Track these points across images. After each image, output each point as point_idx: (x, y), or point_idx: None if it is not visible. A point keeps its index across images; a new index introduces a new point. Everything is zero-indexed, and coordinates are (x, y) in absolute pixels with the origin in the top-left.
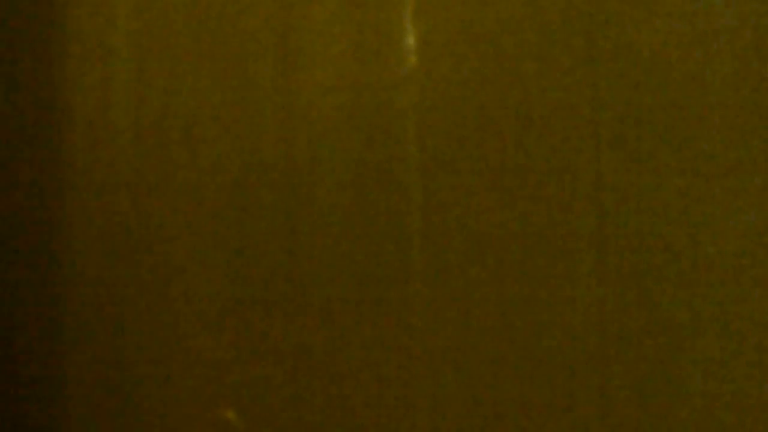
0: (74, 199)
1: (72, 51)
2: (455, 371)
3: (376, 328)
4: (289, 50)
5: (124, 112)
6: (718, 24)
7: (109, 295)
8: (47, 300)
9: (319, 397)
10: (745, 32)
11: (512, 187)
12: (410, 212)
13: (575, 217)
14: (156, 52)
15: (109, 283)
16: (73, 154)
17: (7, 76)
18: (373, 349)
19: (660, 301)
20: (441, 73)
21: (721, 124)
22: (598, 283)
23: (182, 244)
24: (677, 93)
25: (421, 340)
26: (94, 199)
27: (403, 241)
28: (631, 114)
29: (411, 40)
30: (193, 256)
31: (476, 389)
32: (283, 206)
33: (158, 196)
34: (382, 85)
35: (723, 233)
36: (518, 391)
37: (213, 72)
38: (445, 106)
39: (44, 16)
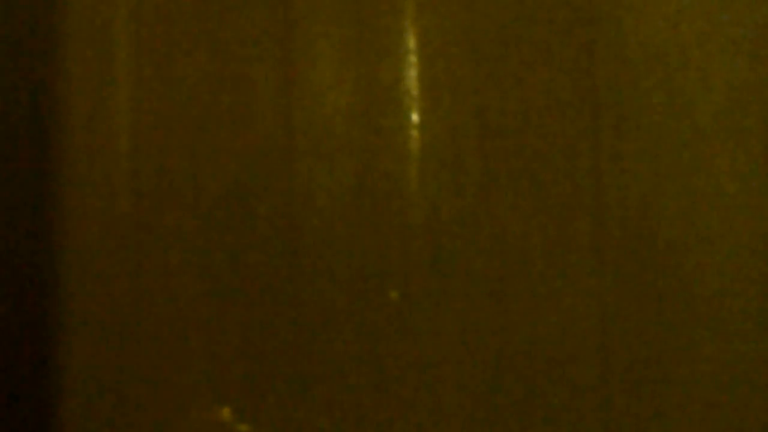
0: (73, 200)
1: (72, 51)
2: (455, 371)
3: (377, 328)
4: (289, 50)
5: (124, 112)
6: (718, 24)
7: (108, 295)
8: (46, 299)
9: (319, 397)
10: (746, 32)
11: (512, 186)
12: (411, 212)
13: (575, 217)
14: (156, 52)
15: (109, 283)
16: (72, 155)
17: (5, 76)
18: (373, 349)
19: (660, 301)
20: (441, 73)
21: (721, 123)
22: (599, 283)
23: (182, 244)
24: (678, 93)
25: (421, 339)
26: (94, 199)
27: (404, 241)
28: (631, 114)
29: (411, 40)
30: (193, 257)
31: (476, 389)
32: (283, 206)
33: (158, 197)
34: (382, 86)
35: (723, 233)
36: (518, 391)
37: (213, 72)
38: (446, 105)
39: (44, 15)
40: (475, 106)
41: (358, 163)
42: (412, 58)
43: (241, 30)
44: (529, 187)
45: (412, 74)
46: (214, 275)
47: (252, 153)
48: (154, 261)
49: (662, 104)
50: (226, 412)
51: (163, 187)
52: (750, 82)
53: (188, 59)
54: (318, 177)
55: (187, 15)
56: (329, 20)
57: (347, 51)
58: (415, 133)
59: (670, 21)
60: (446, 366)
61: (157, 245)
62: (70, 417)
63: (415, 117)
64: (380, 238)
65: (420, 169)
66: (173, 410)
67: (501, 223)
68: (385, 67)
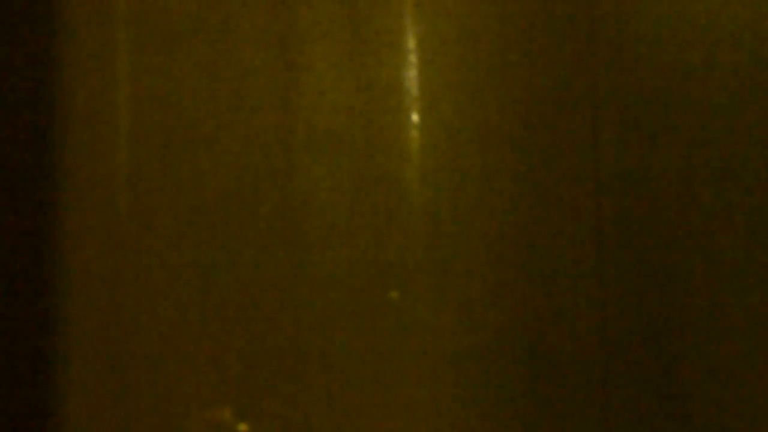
0: (73, 200)
1: (72, 51)
2: (455, 371)
3: (377, 328)
4: (289, 50)
5: (124, 112)
6: (718, 23)
7: (108, 295)
8: (45, 299)
9: (319, 397)
10: (746, 32)
11: (512, 186)
12: (411, 212)
13: (575, 217)
14: (156, 52)
15: (109, 283)
16: (72, 155)
17: (5, 76)
18: (373, 349)
19: (661, 299)
20: (441, 73)
21: (721, 123)
22: (599, 283)
23: (182, 244)
24: (677, 93)
25: (421, 339)
26: (94, 199)
27: (404, 241)
28: (631, 114)
29: (411, 40)
30: (192, 257)
31: (477, 389)
32: (283, 205)
33: (158, 196)
34: (381, 86)
35: (723, 233)
36: (518, 390)
37: (213, 72)
38: (445, 105)
39: (43, 15)
40: (475, 106)
41: (357, 162)
42: (412, 58)
43: (241, 30)
44: (529, 187)
45: (411, 74)
46: (213, 274)
47: (252, 153)
48: (154, 261)
49: (662, 104)
50: (226, 412)
51: (163, 186)
52: (751, 80)
53: (188, 59)
54: (318, 177)
55: (187, 15)
56: (329, 20)
57: (347, 51)
58: (415, 133)
59: (671, 20)
60: (446, 366)
61: (157, 245)
62: (70, 416)
63: (415, 117)
64: (380, 238)
65: (420, 169)
66: (173, 410)
67: (501, 222)
68: (384, 67)
